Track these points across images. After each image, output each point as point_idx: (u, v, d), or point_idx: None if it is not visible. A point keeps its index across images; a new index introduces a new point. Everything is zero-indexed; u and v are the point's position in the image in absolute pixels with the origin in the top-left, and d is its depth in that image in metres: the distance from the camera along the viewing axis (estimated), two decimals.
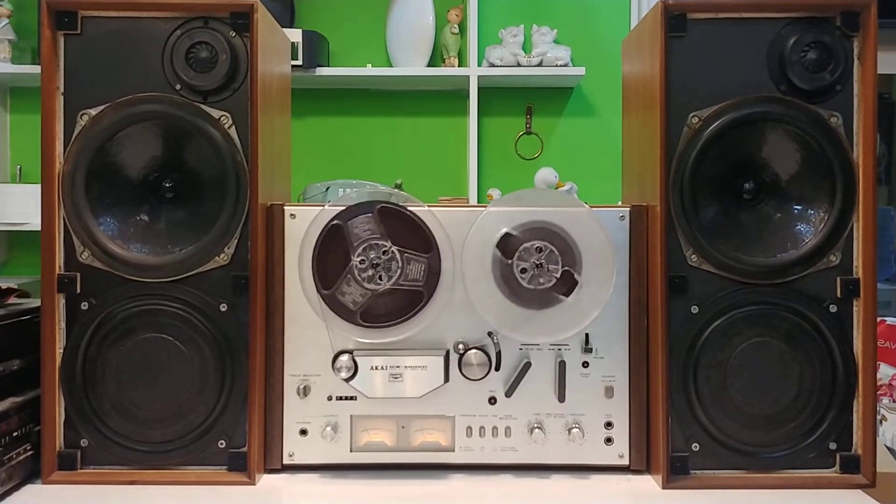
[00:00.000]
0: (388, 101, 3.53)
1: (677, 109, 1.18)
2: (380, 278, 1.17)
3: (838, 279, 1.18)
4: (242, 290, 1.17)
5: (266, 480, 1.20)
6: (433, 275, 1.19)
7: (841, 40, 1.18)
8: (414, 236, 1.19)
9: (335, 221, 1.18)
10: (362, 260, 1.17)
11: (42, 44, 1.17)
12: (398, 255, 1.17)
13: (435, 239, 1.19)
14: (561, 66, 3.29)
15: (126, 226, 1.19)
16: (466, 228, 1.20)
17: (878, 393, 2.36)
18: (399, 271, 1.17)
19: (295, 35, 3.13)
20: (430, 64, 3.43)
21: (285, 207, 1.22)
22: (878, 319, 2.78)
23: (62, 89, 1.18)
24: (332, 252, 1.18)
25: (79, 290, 1.17)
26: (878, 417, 2.25)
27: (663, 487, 1.17)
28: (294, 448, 1.22)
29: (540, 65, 3.29)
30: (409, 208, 1.19)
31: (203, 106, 1.17)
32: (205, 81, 1.17)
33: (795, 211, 1.20)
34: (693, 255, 1.18)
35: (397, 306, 1.19)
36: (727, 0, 1.18)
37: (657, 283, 1.18)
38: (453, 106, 3.51)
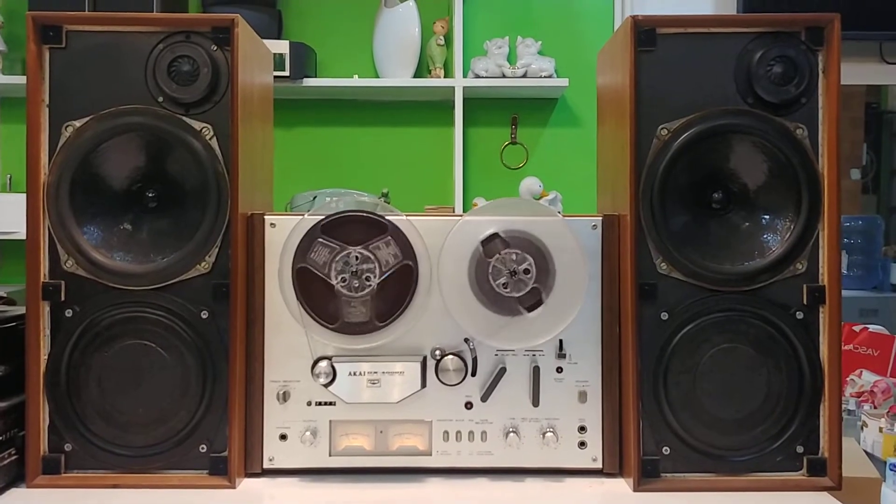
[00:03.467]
0: (374, 112, 3.55)
1: (647, 121, 1.20)
2: (367, 280, 1.20)
3: (804, 286, 1.21)
4: (223, 298, 1.19)
5: (246, 484, 1.21)
6: (406, 249, 1.21)
7: (806, 54, 1.21)
8: (363, 232, 1.21)
9: (299, 265, 1.21)
10: (342, 279, 1.20)
11: (27, 57, 1.19)
12: (366, 253, 1.20)
13: (412, 247, 1.22)
14: (545, 77, 3.31)
15: (109, 235, 1.21)
16: (443, 237, 1.23)
17: (859, 399, 2.40)
18: (377, 265, 1.20)
19: (282, 46, 3.15)
20: (417, 75, 3.44)
21: (266, 217, 1.24)
22: (861, 327, 2.81)
23: (47, 101, 1.20)
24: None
25: (63, 298, 1.19)
26: (859, 424, 2.28)
27: (635, 490, 1.19)
28: (274, 452, 1.24)
29: (525, 76, 3.31)
30: (387, 217, 1.22)
31: (185, 118, 1.20)
32: (187, 94, 1.20)
33: (763, 220, 1.23)
34: (663, 263, 1.20)
35: (377, 311, 1.21)
36: (696, 15, 1.22)
37: (628, 290, 1.21)
38: (439, 116, 3.53)
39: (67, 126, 1.19)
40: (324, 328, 1.21)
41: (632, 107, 1.20)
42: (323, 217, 1.21)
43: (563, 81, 3.31)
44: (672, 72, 1.21)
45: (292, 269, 1.21)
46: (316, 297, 1.21)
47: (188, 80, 1.20)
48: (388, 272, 1.21)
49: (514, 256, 1.21)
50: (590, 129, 3.51)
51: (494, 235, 1.21)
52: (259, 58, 1.37)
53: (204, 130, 1.20)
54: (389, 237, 1.21)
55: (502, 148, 3.56)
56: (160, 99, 1.20)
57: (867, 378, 2.56)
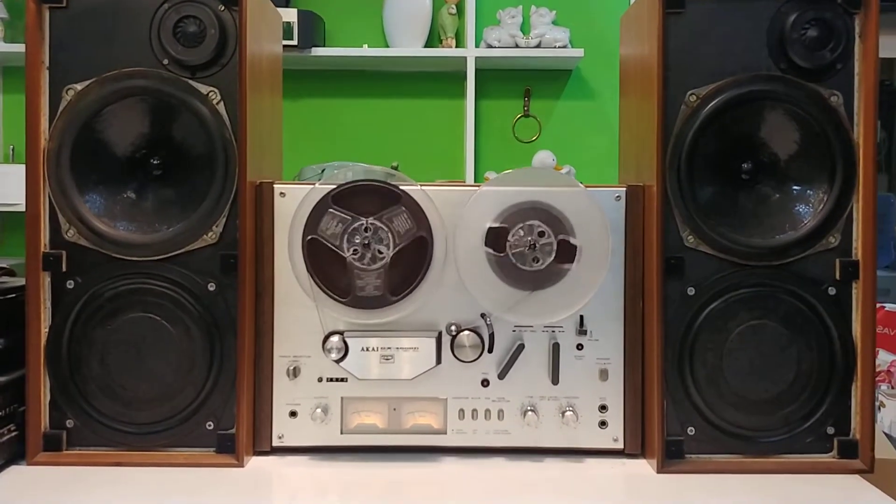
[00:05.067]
0: (384, 83, 3.51)
1: (675, 87, 1.15)
2: (380, 252, 1.16)
3: (837, 261, 1.17)
4: (231, 270, 1.16)
5: (254, 463, 1.18)
6: (421, 220, 1.17)
7: (842, 18, 1.16)
8: (376, 203, 1.17)
9: (310, 237, 1.16)
10: (354, 251, 1.15)
11: (27, 16, 1.15)
12: (379, 224, 1.16)
13: (427, 218, 1.17)
14: (559, 47, 3.26)
15: (113, 203, 1.17)
16: (460, 209, 1.19)
17: (876, 379, 2.35)
18: (390, 236, 1.16)
19: (290, 14, 3.10)
20: (428, 45, 3.40)
21: (275, 185, 1.20)
22: (878, 306, 2.76)
23: (47, 64, 1.15)
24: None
25: (64, 269, 1.15)
26: (877, 403, 2.24)
27: (658, 472, 1.15)
28: (283, 430, 1.20)
29: (538, 46, 3.26)
30: (401, 187, 1.17)
31: (191, 81, 1.15)
32: (193, 56, 1.15)
33: (794, 191, 1.18)
34: (690, 236, 1.16)
35: (391, 284, 1.17)
36: None
37: (653, 264, 1.16)
38: (450, 88, 3.48)
39: (68, 89, 1.15)
40: (336, 302, 1.17)
41: (659, 71, 1.14)
42: (335, 186, 1.16)
43: (578, 52, 3.26)
44: (701, 35, 1.16)
45: (303, 241, 1.16)
46: (328, 269, 1.17)
47: (194, 41, 1.15)
48: (402, 244, 1.16)
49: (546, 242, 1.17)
50: (605, 101, 3.46)
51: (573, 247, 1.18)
52: (268, 21, 1.31)
53: (211, 94, 1.15)
54: (403, 207, 1.17)
55: (515, 121, 3.51)
56: (165, 61, 1.15)
57: (884, 357, 2.52)
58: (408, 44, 3.34)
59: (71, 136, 1.14)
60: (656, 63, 1.15)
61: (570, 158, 3.28)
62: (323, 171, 2.77)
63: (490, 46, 3.29)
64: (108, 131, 1.16)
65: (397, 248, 1.16)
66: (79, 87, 1.15)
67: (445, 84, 3.50)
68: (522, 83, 3.49)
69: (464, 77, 3.33)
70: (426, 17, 3.36)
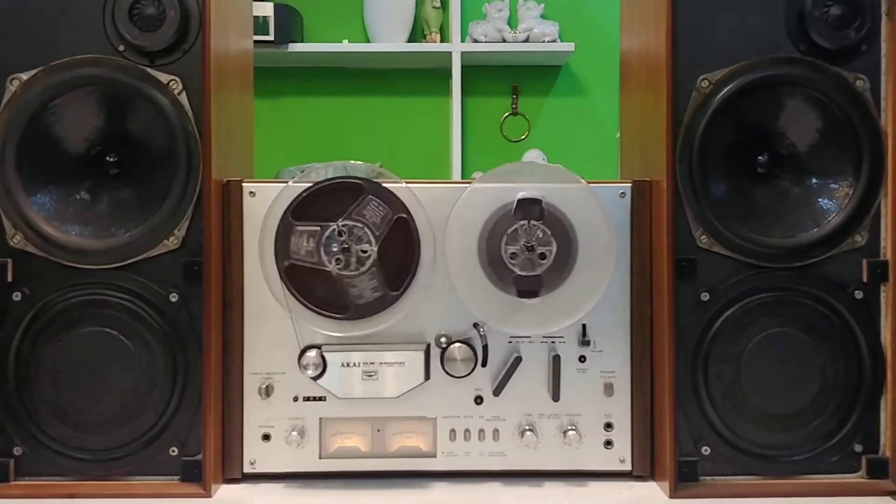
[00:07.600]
0: (365, 80, 3.45)
1: (685, 72, 1.07)
2: (363, 252, 1.08)
3: (864, 262, 1.09)
4: (195, 278, 1.08)
5: (224, 492, 1.11)
6: (393, 202, 1.09)
7: None
8: (340, 203, 1.10)
9: (286, 262, 1.09)
10: (337, 260, 1.08)
11: None
12: (351, 223, 1.08)
13: (399, 199, 1.09)
14: (548, 42, 3.22)
15: (64, 205, 1.09)
16: (449, 207, 1.11)
17: None
18: (367, 231, 1.08)
19: (266, 8, 3.04)
20: (411, 40, 3.34)
21: (244, 184, 1.12)
22: None
23: None
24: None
25: (10, 279, 1.08)
26: None
27: (670, 496, 1.07)
28: (256, 455, 1.13)
29: (526, 41, 3.22)
30: (384, 185, 1.09)
31: (149, 69, 1.08)
32: (151, 41, 1.07)
33: (816, 185, 1.10)
34: (703, 236, 1.08)
35: (388, 280, 1.09)
36: None
37: (663, 267, 1.08)
38: (435, 85, 3.43)
39: (13, 79, 1.07)
40: (337, 321, 1.10)
41: (668, 54, 1.06)
42: (290, 202, 1.08)
43: (568, 46, 3.20)
44: (714, 14, 1.08)
45: (279, 268, 1.08)
46: (315, 289, 1.10)
47: (153, 25, 1.06)
48: (383, 233, 1.08)
49: (539, 233, 1.09)
50: (596, 97, 3.41)
51: (536, 202, 1.09)
52: (236, 9, 1.24)
53: (171, 84, 1.07)
54: (369, 195, 1.09)
55: (502, 119, 3.46)
56: (121, 48, 1.07)
57: None
58: (390, 39, 3.27)
59: (16, 131, 1.06)
60: (665, 45, 1.06)
61: (560, 158, 3.23)
62: (302, 172, 2.68)
63: (476, 41, 3.24)
64: (58, 125, 1.08)
65: (380, 240, 1.08)
66: (24, 76, 1.07)
67: (430, 81, 3.43)
68: (510, 79, 3.44)
69: (449, 73, 3.27)
70: (409, 11, 3.29)
